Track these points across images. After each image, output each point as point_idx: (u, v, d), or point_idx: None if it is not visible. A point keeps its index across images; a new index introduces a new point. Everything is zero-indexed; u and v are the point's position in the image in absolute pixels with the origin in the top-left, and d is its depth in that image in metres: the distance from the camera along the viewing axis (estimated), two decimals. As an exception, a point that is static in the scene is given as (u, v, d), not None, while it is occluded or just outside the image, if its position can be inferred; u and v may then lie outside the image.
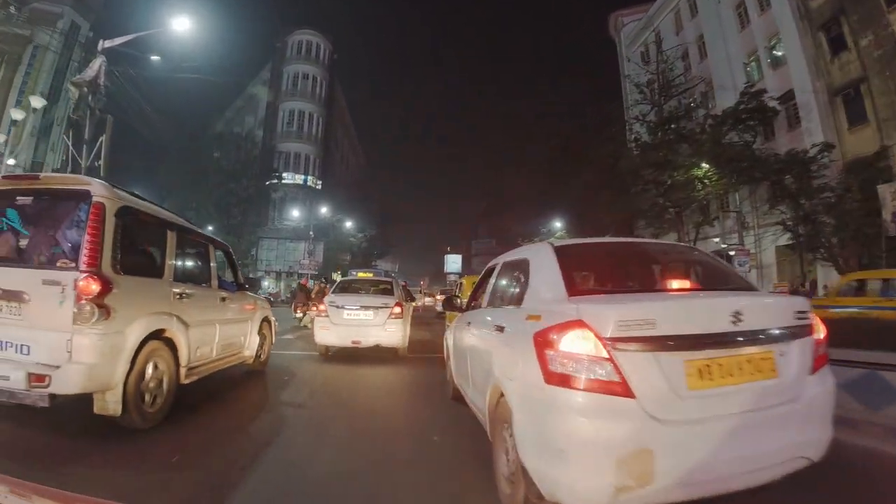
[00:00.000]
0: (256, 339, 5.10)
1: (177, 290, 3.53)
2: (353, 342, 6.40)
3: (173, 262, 3.59)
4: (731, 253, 12.99)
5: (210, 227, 21.83)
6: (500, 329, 2.35)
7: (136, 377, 3.02)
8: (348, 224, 36.03)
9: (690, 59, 23.02)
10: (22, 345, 2.75)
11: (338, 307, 6.56)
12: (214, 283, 4.32)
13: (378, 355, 6.63)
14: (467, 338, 3.22)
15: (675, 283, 2.19)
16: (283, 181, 34.34)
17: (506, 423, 2.02)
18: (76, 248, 2.84)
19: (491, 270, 3.39)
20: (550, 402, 1.68)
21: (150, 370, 3.18)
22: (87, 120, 10.91)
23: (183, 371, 3.49)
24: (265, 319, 5.43)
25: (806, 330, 1.85)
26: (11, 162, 17.55)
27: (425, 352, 7.37)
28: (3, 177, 3.39)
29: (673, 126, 17.30)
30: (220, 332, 4.16)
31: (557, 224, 26.74)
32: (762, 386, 1.68)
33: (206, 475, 2.47)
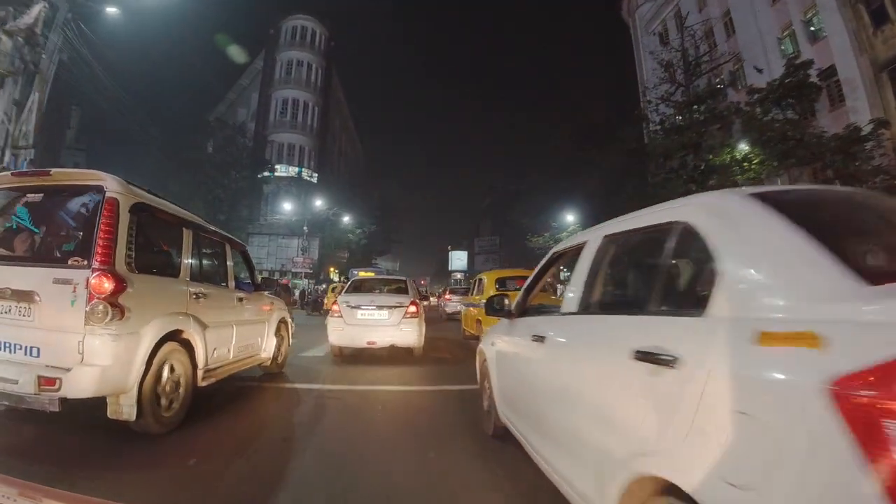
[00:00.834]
0: (274, 341, 5.24)
1: (193, 290, 3.58)
2: (369, 343, 6.51)
3: (189, 261, 3.66)
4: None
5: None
6: (659, 360, 1.30)
7: (152, 380, 3.03)
8: (346, 219, 35.97)
9: (716, 37, 22.80)
10: (31, 347, 2.76)
11: (352, 307, 6.68)
12: (231, 283, 4.42)
13: (392, 353, 6.71)
14: (545, 366, 2.21)
15: None
16: (276, 173, 34.35)
17: None
18: (89, 246, 2.85)
19: (576, 251, 2.33)
20: None
21: (166, 373, 3.20)
22: (20, 77, 10.39)
23: (200, 373, 3.54)
24: (282, 320, 5.56)
25: None
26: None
27: (449, 362, 7.09)
28: (13, 173, 3.43)
29: (703, 106, 17.09)
30: (238, 334, 4.24)
31: (570, 217, 26.55)
32: None
33: (225, 484, 2.47)
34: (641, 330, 1.53)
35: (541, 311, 2.94)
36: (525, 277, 8.55)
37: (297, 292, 26.32)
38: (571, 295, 2.18)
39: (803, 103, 16.37)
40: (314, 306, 19.91)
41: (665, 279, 1.67)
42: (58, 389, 2.63)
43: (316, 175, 37.86)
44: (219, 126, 31.86)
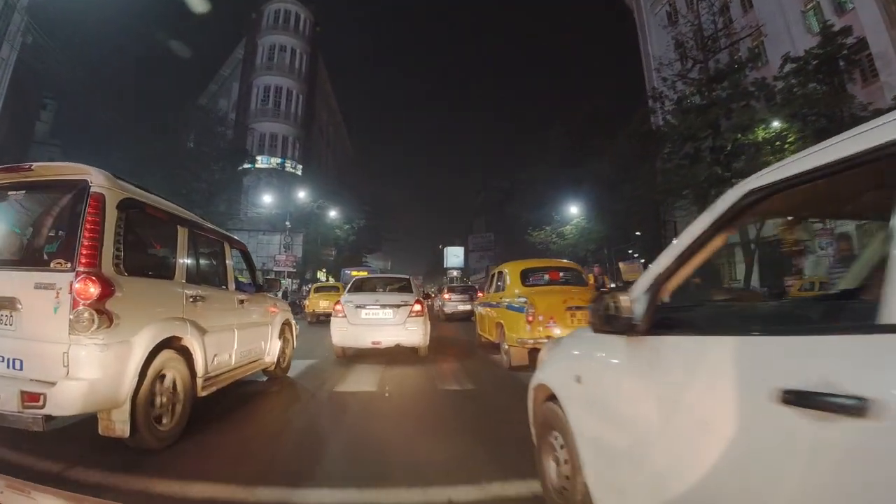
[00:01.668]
0: (278, 344, 5.29)
1: (190, 293, 3.53)
2: (374, 342, 6.66)
3: (185, 262, 3.60)
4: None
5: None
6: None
7: (147, 392, 2.97)
8: (333, 213, 35.57)
9: (731, 11, 22.75)
10: (14, 359, 2.67)
11: (356, 307, 6.85)
12: (231, 284, 4.40)
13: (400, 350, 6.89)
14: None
15: None
16: (257, 164, 34.06)
17: None
18: (72, 246, 2.76)
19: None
20: None
21: (161, 383, 3.13)
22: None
23: (199, 382, 3.50)
24: (286, 322, 5.65)
25: None
26: None
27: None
28: None
29: (725, 82, 17.02)
30: (239, 338, 4.24)
31: (573, 209, 26.41)
32: None
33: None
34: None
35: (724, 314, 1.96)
36: (558, 269, 8.06)
37: (279, 293, 26.03)
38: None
39: (837, 77, 16.30)
40: (293, 309, 19.68)
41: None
42: (42, 406, 2.53)
43: (300, 167, 37.66)
44: (195, 113, 31.41)
